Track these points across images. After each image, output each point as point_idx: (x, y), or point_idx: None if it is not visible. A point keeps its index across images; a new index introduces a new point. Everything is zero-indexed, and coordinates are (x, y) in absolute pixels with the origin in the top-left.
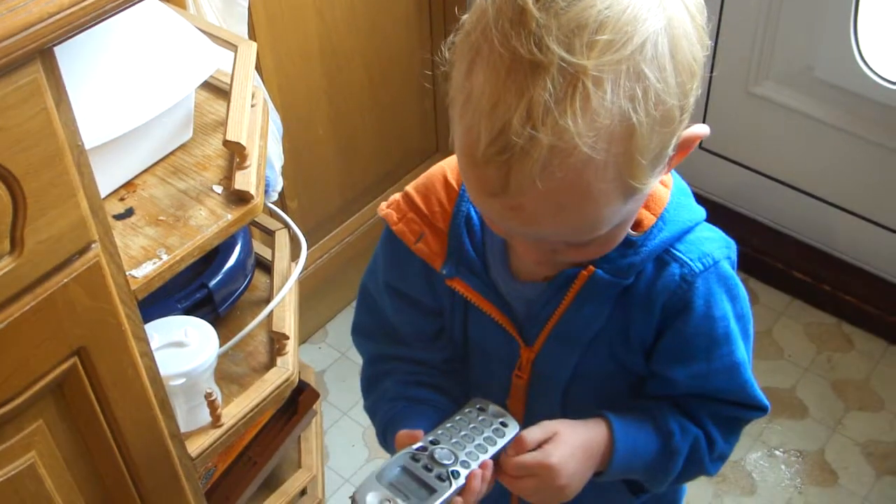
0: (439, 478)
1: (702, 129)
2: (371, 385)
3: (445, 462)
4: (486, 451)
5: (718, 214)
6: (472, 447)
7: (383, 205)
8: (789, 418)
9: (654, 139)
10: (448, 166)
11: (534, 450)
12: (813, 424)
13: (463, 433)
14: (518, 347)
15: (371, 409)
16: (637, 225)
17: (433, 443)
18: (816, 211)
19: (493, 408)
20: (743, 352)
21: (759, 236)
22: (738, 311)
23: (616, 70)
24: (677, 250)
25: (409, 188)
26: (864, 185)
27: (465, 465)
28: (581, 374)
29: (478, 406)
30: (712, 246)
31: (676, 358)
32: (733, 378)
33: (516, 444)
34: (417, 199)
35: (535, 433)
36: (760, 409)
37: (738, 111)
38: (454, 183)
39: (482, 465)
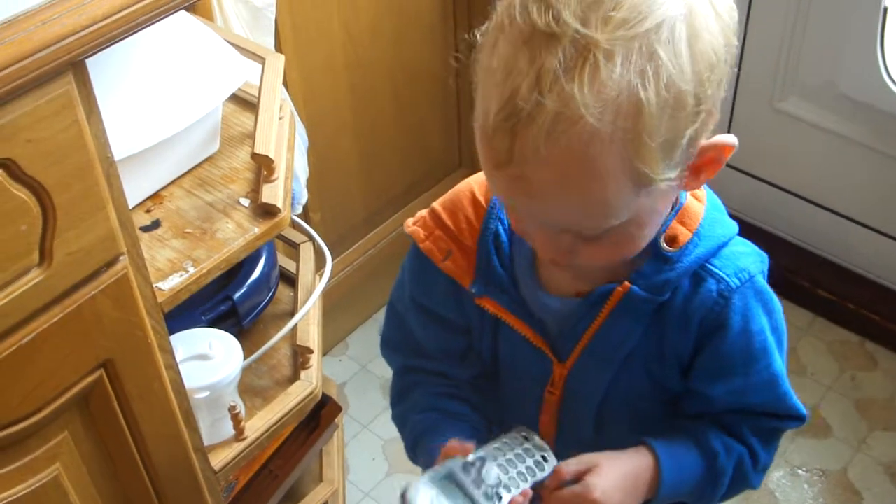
0: (486, 496)
1: (730, 139)
2: (401, 396)
3: (491, 482)
4: (527, 481)
5: (742, 231)
6: (515, 473)
7: (409, 221)
8: (812, 437)
9: (663, 121)
10: (475, 183)
11: (575, 482)
12: (836, 444)
13: (508, 457)
14: (551, 364)
15: (400, 419)
16: (672, 241)
17: (482, 460)
18: (841, 228)
19: (536, 439)
20: (780, 363)
21: (783, 253)
22: (773, 324)
23: (628, 46)
24: (713, 266)
25: (436, 205)
26: (889, 203)
27: (507, 489)
28: (615, 391)
29: (523, 434)
30: (747, 261)
31: (715, 374)
32: (771, 390)
33: (554, 476)
34: (444, 216)
35: (572, 465)
36: (798, 419)
37: (762, 127)
38: (482, 199)
39: (522, 494)
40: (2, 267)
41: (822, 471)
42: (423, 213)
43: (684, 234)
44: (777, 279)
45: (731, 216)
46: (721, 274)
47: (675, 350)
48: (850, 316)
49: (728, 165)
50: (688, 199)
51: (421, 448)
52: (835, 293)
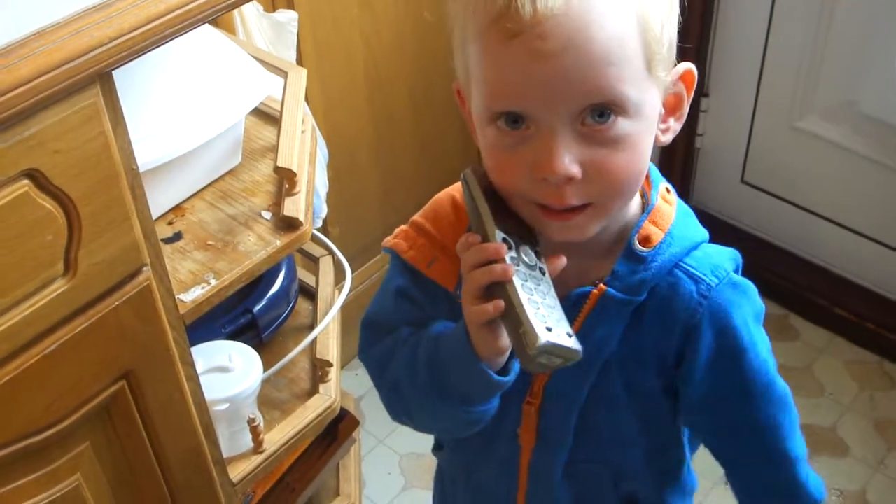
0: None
1: (687, 64)
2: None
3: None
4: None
5: (760, 249)
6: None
7: (387, 239)
8: (830, 456)
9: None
10: (454, 189)
11: None
12: (854, 463)
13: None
14: (530, 374)
15: (393, 378)
16: (646, 241)
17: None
18: (860, 247)
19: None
20: (766, 350)
21: (801, 272)
22: (755, 311)
23: None
24: (689, 265)
25: (417, 217)
26: None
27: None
28: (595, 398)
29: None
30: (721, 258)
31: (703, 370)
32: (759, 377)
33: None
34: (427, 226)
35: None
36: (786, 400)
37: (781, 145)
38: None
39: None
40: (27, 277)
41: (840, 490)
42: (403, 227)
43: (657, 234)
44: (795, 298)
45: (748, 234)
46: (698, 273)
47: (658, 352)
48: (868, 335)
49: (746, 183)
50: (658, 201)
51: (440, 348)
52: (853, 312)
